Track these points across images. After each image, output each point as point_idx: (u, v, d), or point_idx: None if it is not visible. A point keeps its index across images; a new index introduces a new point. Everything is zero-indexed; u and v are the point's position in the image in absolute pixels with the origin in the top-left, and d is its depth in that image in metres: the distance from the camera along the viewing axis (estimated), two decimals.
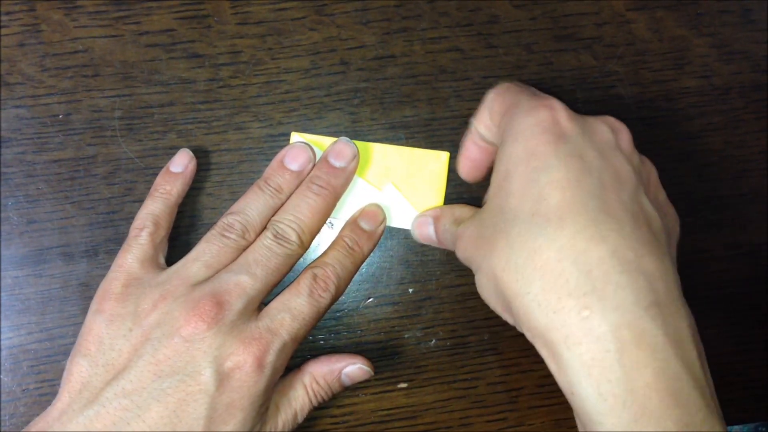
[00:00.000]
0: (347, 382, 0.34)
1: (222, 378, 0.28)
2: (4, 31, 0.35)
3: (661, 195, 0.31)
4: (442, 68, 0.37)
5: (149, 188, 0.36)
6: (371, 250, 0.35)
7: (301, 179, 0.33)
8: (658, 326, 0.24)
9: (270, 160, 0.34)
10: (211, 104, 0.36)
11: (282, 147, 0.34)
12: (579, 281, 0.24)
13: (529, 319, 0.25)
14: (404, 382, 0.37)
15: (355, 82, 0.37)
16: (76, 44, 0.35)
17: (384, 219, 0.35)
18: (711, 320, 0.39)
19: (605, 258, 0.24)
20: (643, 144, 0.38)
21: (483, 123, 0.32)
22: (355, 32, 0.37)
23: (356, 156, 0.34)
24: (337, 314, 0.37)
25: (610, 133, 0.28)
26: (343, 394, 0.37)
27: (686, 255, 0.39)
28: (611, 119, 0.29)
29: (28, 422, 0.35)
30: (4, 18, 0.35)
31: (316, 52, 0.37)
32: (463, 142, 0.34)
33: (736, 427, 0.48)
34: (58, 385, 0.35)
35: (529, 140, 0.27)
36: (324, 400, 0.33)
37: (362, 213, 0.35)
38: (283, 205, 0.33)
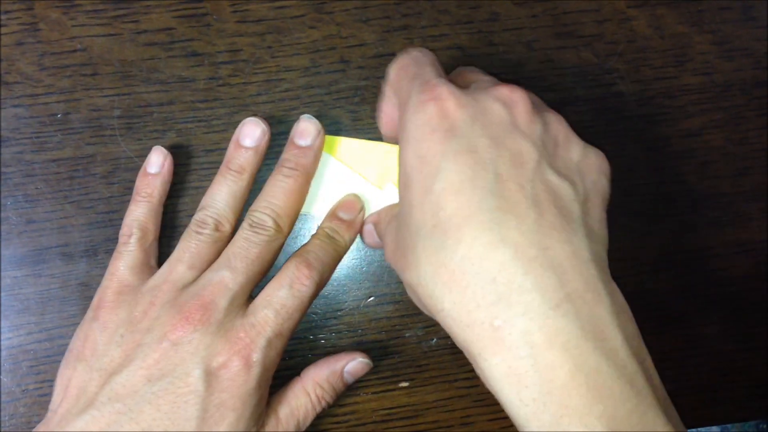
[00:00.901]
0: (350, 379, 0.34)
1: (210, 378, 0.29)
2: (2, 30, 0.35)
3: (575, 149, 0.28)
4: (442, 66, 0.37)
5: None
6: (352, 240, 0.34)
7: (259, 154, 0.33)
8: (571, 321, 0.23)
9: (269, 159, 0.34)
10: (210, 103, 0.36)
11: (282, 146, 0.34)
12: (485, 291, 0.24)
13: (450, 333, 0.25)
14: (405, 381, 0.37)
15: (355, 80, 0.37)
16: (74, 43, 0.35)
17: (362, 208, 0.34)
18: (712, 318, 0.39)
19: (506, 262, 0.24)
20: (644, 142, 0.38)
21: (389, 100, 0.31)
22: (355, 30, 0.37)
23: (320, 132, 0.33)
24: (338, 313, 0.37)
25: (504, 109, 0.26)
26: (344, 393, 0.37)
27: (687, 252, 0.39)
28: (504, 91, 0.27)
29: (27, 423, 0.35)
30: (2, 17, 0.35)
31: (316, 50, 0.36)
32: (379, 103, 0.32)
33: (737, 425, 0.47)
34: None
35: (419, 143, 0.26)
36: (329, 404, 0.33)
37: (340, 204, 0.34)
38: (248, 185, 0.33)
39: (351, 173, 0.35)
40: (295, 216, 0.33)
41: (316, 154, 0.33)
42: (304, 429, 0.32)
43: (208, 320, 0.29)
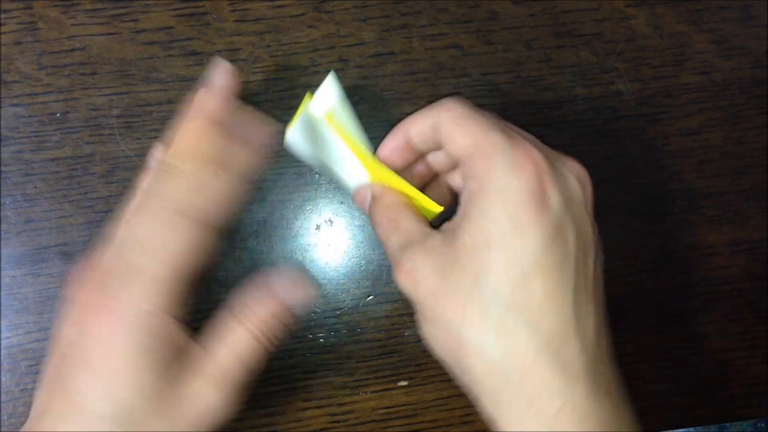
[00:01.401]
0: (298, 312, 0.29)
1: None
2: (1, 29, 0.35)
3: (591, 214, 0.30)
4: (441, 65, 0.37)
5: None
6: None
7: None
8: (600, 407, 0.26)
9: (268, 158, 0.34)
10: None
11: (281, 145, 0.34)
12: (554, 381, 0.25)
13: (488, 399, 0.27)
14: (404, 380, 0.37)
15: (354, 79, 0.37)
16: (73, 42, 0.35)
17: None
18: (711, 317, 0.39)
19: (574, 357, 0.26)
20: (642, 140, 0.38)
21: (419, 132, 0.30)
22: (354, 29, 0.37)
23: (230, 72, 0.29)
24: (337, 312, 0.37)
25: (580, 189, 0.28)
26: (343, 392, 0.37)
27: (686, 251, 0.39)
28: (577, 167, 0.28)
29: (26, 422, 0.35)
30: (1, 16, 0.35)
31: (315, 49, 0.36)
32: (391, 135, 0.31)
33: (736, 424, 0.48)
34: None
35: (514, 207, 0.26)
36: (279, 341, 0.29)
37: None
38: None
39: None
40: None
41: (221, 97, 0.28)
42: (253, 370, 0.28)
43: None
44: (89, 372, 0.25)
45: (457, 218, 0.28)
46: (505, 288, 0.26)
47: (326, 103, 0.31)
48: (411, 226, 0.29)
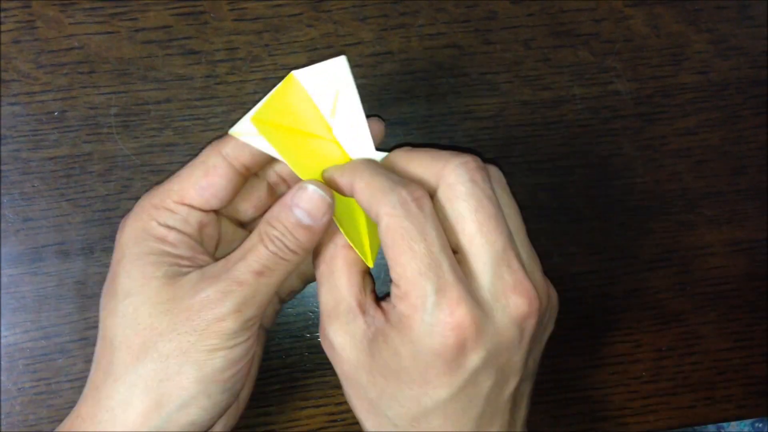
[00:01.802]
0: (302, 217, 0.27)
1: None
2: None
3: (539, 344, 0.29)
4: (439, 65, 0.37)
5: (145, 185, 0.36)
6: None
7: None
8: None
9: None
10: (207, 101, 0.36)
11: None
12: None
13: None
14: None
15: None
16: (71, 41, 0.35)
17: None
18: (709, 316, 0.39)
19: None
20: (640, 140, 0.38)
21: (361, 203, 0.27)
22: (353, 28, 0.37)
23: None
24: None
25: (518, 332, 0.26)
26: (341, 391, 0.37)
27: (684, 251, 0.39)
28: (522, 308, 0.26)
29: (24, 421, 0.35)
30: None
31: (313, 48, 0.36)
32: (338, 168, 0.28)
33: (734, 424, 0.48)
34: (55, 383, 0.35)
35: (424, 367, 0.26)
36: (289, 249, 0.27)
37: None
38: None
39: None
40: None
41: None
42: (267, 277, 0.27)
43: None
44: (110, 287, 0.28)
45: (382, 321, 0.27)
46: (403, 420, 0.27)
47: (326, 87, 0.29)
48: (342, 291, 0.28)
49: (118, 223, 0.35)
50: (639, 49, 0.38)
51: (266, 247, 0.27)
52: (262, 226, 0.27)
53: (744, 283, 0.39)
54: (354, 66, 0.36)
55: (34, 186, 0.35)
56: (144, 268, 0.27)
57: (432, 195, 0.27)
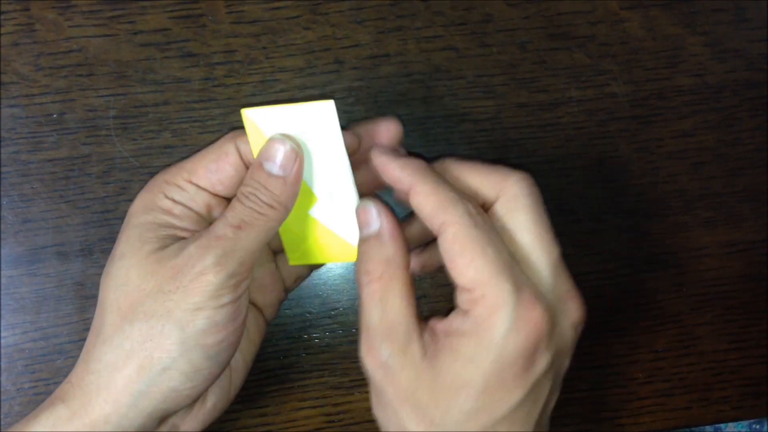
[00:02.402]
0: (273, 168, 0.28)
1: None
2: None
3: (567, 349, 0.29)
4: (436, 67, 0.37)
5: (144, 187, 0.36)
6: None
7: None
8: None
9: None
10: (205, 103, 0.36)
11: None
12: None
13: None
14: None
15: (349, 81, 0.37)
16: (70, 43, 0.35)
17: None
18: (705, 318, 0.39)
19: None
20: (637, 142, 0.38)
21: (421, 213, 0.28)
22: (350, 31, 0.37)
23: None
24: (332, 312, 0.37)
25: (573, 336, 0.28)
26: (338, 392, 0.37)
27: (681, 252, 0.39)
28: (578, 314, 0.28)
29: None
30: None
31: (311, 51, 0.37)
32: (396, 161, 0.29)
33: (731, 425, 0.48)
34: (54, 384, 0.35)
35: (503, 365, 0.26)
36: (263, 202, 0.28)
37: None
38: None
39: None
40: None
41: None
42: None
43: None
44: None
45: (442, 337, 0.27)
46: (471, 429, 0.26)
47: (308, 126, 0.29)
48: (399, 313, 0.27)
49: (117, 224, 0.36)
50: (635, 51, 0.38)
51: (242, 203, 0.28)
52: (237, 191, 0.28)
53: (740, 284, 0.39)
54: (351, 68, 0.37)
55: (33, 188, 0.35)
56: (142, 233, 0.28)
57: (486, 207, 0.28)
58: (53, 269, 0.36)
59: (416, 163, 0.28)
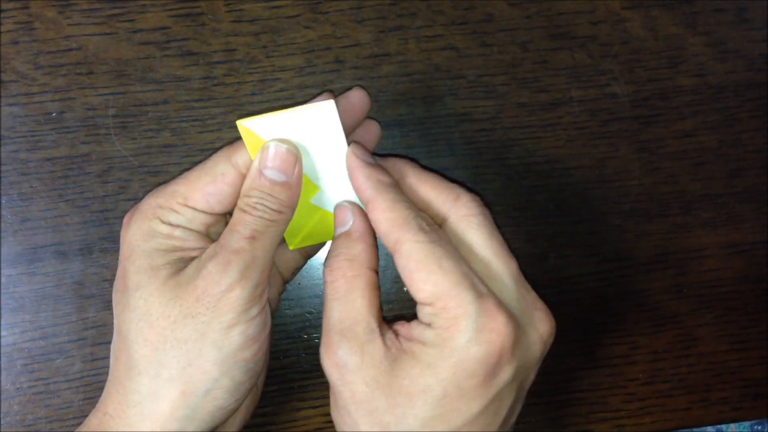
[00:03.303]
0: (272, 175, 0.28)
1: None
2: None
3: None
4: (437, 66, 0.37)
5: (143, 186, 0.36)
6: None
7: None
8: None
9: None
10: (205, 102, 0.36)
11: None
12: None
13: None
14: None
15: (349, 80, 0.37)
16: (69, 42, 0.35)
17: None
18: (706, 318, 0.39)
19: None
20: (637, 143, 0.38)
21: (377, 230, 0.28)
22: (350, 30, 0.37)
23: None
24: None
25: (540, 348, 0.27)
26: None
27: (681, 253, 0.39)
28: (546, 325, 0.27)
29: (22, 421, 0.35)
30: None
31: (311, 50, 0.36)
32: (377, 198, 0.28)
33: (732, 425, 0.48)
34: (53, 383, 0.35)
35: (465, 376, 0.25)
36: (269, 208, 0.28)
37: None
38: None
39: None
40: None
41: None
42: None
43: None
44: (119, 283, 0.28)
45: (403, 341, 0.27)
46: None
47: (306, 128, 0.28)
48: (359, 312, 0.27)
49: (116, 223, 0.36)
50: (636, 51, 0.38)
51: (251, 215, 0.27)
52: (240, 201, 0.28)
53: (740, 285, 0.39)
54: (351, 68, 0.37)
55: (32, 187, 0.35)
56: (152, 260, 0.27)
57: (437, 222, 0.28)
58: (52, 268, 0.35)
59: (378, 176, 0.28)
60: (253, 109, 0.36)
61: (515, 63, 0.37)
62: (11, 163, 0.35)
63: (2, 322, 0.35)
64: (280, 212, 0.28)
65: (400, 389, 0.26)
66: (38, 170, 0.35)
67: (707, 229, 0.39)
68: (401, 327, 0.27)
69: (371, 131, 0.31)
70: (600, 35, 0.38)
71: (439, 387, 0.25)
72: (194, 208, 0.28)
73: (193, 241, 0.28)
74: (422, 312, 0.27)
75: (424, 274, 0.26)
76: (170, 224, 0.28)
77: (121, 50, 0.36)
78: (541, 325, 0.27)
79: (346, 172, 0.29)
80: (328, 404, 0.37)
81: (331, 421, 0.37)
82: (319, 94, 0.36)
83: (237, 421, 0.30)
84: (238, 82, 0.36)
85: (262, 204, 0.27)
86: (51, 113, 0.35)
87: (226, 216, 0.30)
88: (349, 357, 0.27)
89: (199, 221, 0.29)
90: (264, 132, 0.28)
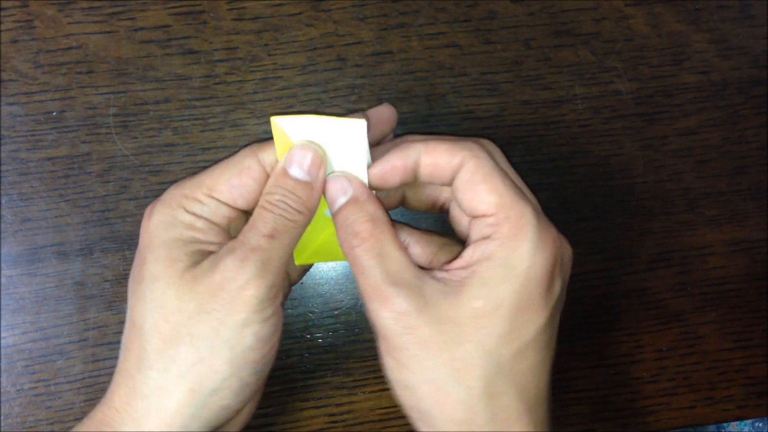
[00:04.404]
0: (297, 172, 0.28)
1: None
2: None
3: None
4: (439, 64, 0.37)
5: (145, 186, 0.35)
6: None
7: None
8: None
9: None
10: (206, 101, 0.36)
11: None
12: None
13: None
14: None
15: (352, 78, 0.36)
16: (70, 40, 0.35)
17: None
18: (710, 316, 0.39)
19: (544, 413, 0.28)
20: (641, 140, 0.38)
21: (433, 165, 0.28)
22: (352, 28, 0.36)
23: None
24: (335, 312, 0.37)
25: (569, 270, 0.29)
26: (341, 392, 0.37)
27: (685, 251, 0.39)
28: (570, 250, 0.29)
29: (23, 422, 0.35)
30: None
31: (313, 48, 0.36)
32: (399, 153, 0.28)
33: (734, 423, 0.48)
34: (54, 384, 0.35)
35: (531, 287, 0.26)
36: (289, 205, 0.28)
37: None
38: None
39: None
40: None
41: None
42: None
43: None
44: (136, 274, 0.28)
45: (461, 271, 0.27)
46: (504, 357, 0.26)
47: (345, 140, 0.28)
48: (400, 258, 0.27)
49: (118, 223, 0.35)
50: (640, 48, 0.38)
51: (272, 212, 0.27)
52: (262, 199, 0.28)
53: (744, 283, 0.39)
54: (354, 66, 0.36)
55: (32, 186, 0.35)
56: (170, 252, 0.27)
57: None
58: (53, 269, 0.35)
59: (406, 143, 0.29)
60: (255, 108, 0.36)
61: (518, 60, 0.37)
62: (11, 162, 0.35)
63: (3, 323, 0.35)
64: (300, 212, 0.28)
65: (472, 314, 0.26)
66: (38, 170, 0.35)
67: (711, 226, 0.39)
68: (450, 264, 0.28)
69: (384, 113, 0.31)
70: (603, 32, 0.38)
71: (512, 299, 0.26)
72: (218, 200, 0.28)
73: (213, 235, 0.28)
74: (479, 226, 0.27)
75: (489, 186, 0.27)
76: (194, 214, 0.28)
77: (122, 49, 0.35)
78: (568, 248, 0.28)
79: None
80: (331, 404, 0.37)
81: (334, 421, 0.37)
82: (323, 94, 0.36)
83: (238, 421, 0.30)
84: (239, 81, 0.36)
85: (283, 202, 0.27)
86: (51, 112, 0.35)
87: (247, 215, 0.30)
88: (409, 302, 0.26)
89: (221, 214, 0.29)
90: (294, 132, 0.28)
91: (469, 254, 0.27)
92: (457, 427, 0.26)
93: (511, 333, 0.26)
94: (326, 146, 0.28)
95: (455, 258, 0.28)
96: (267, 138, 0.28)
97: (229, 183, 0.28)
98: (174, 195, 0.28)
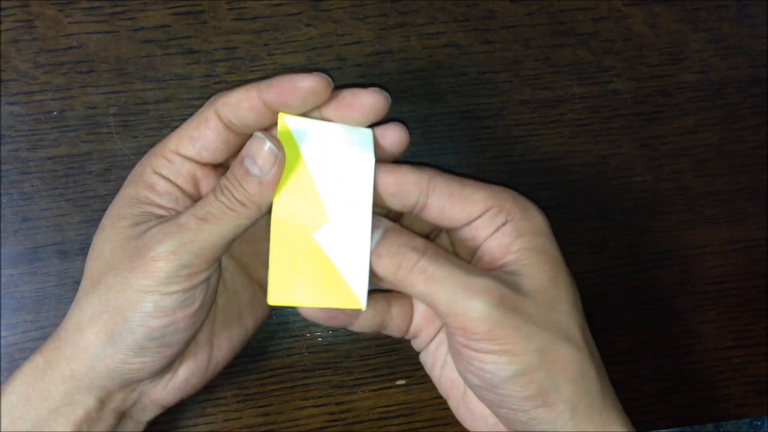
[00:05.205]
0: (250, 166, 0.28)
1: None
2: None
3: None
4: (439, 64, 0.37)
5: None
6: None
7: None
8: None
9: None
10: (207, 100, 0.36)
11: None
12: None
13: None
14: (402, 378, 0.37)
15: (351, 78, 0.37)
16: (70, 40, 0.35)
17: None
18: (709, 315, 0.39)
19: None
20: (640, 139, 0.38)
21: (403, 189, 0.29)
22: (352, 28, 0.37)
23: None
24: None
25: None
26: (341, 391, 0.37)
27: (684, 250, 0.39)
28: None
29: None
30: None
31: (313, 47, 0.36)
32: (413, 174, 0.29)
33: (733, 423, 0.47)
34: None
35: (552, 238, 0.30)
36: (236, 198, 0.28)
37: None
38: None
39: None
40: None
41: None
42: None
43: None
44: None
45: (502, 259, 0.29)
46: (579, 300, 0.30)
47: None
48: (459, 273, 0.28)
49: None
50: (638, 48, 0.38)
51: (215, 196, 0.28)
52: (219, 181, 0.28)
53: (743, 281, 0.39)
54: (353, 65, 0.37)
55: (33, 186, 0.35)
56: (122, 208, 0.29)
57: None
58: (54, 268, 0.35)
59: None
60: None
61: (517, 60, 0.37)
62: (12, 162, 0.35)
63: (3, 322, 0.35)
64: (243, 204, 0.27)
65: (546, 277, 0.28)
66: (39, 169, 0.35)
67: (710, 225, 0.39)
68: (486, 263, 0.29)
69: (397, 135, 0.30)
70: (602, 32, 0.38)
71: (554, 253, 0.29)
72: (183, 155, 0.29)
73: (169, 199, 0.29)
74: (485, 221, 0.29)
75: (471, 188, 0.29)
76: (158, 174, 0.29)
77: (122, 48, 0.35)
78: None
79: (363, 209, 0.28)
80: (331, 403, 0.37)
81: (334, 420, 0.37)
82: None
83: (168, 390, 0.30)
84: (239, 81, 0.36)
85: (228, 189, 0.28)
86: (52, 112, 0.35)
87: (221, 170, 0.31)
88: (503, 285, 0.27)
89: (186, 172, 0.30)
90: (299, 133, 0.28)
91: (496, 243, 0.29)
92: (576, 387, 0.28)
93: (568, 276, 0.29)
94: (332, 153, 0.28)
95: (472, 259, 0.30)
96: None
97: (190, 136, 0.29)
98: (147, 154, 0.30)
